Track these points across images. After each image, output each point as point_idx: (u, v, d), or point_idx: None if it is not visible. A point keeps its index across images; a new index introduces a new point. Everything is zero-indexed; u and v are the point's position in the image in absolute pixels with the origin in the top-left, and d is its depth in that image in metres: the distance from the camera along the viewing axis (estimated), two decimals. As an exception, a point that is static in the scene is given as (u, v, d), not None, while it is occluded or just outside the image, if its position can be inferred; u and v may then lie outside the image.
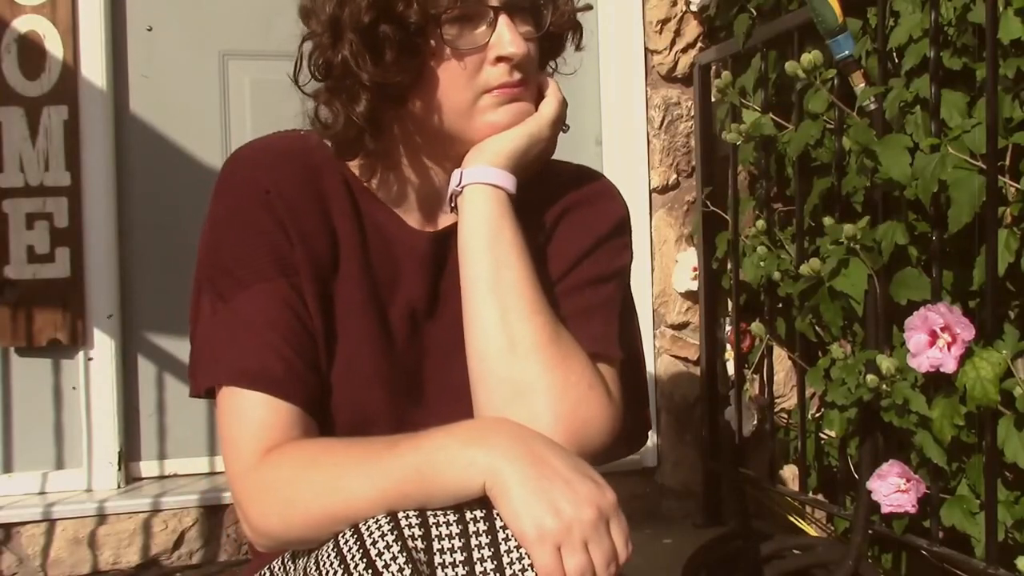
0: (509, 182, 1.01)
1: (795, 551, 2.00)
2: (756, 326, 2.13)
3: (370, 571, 0.84)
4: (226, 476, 1.00)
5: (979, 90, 1.66)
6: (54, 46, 2.23)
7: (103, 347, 2.28)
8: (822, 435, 2.11)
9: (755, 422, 2.25)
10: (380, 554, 0.84)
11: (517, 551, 0.85)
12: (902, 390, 1.60)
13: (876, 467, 1.67)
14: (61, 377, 2.28)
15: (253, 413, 0.97)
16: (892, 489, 1.64)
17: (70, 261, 2.24)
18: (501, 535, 0.86)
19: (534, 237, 1.06)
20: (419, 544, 0.85)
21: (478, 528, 0.86)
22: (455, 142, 1.03)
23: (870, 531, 1.77)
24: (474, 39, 0.97)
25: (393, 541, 0.84)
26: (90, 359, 2.27)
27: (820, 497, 2.11)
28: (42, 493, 2.26)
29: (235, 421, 0.98)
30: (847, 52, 1.67)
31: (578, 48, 1.10)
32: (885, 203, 1.72)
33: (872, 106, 1.67)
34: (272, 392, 0.97)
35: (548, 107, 1.04)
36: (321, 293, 1.02)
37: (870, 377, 1.64)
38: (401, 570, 0.83)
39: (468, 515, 0.87)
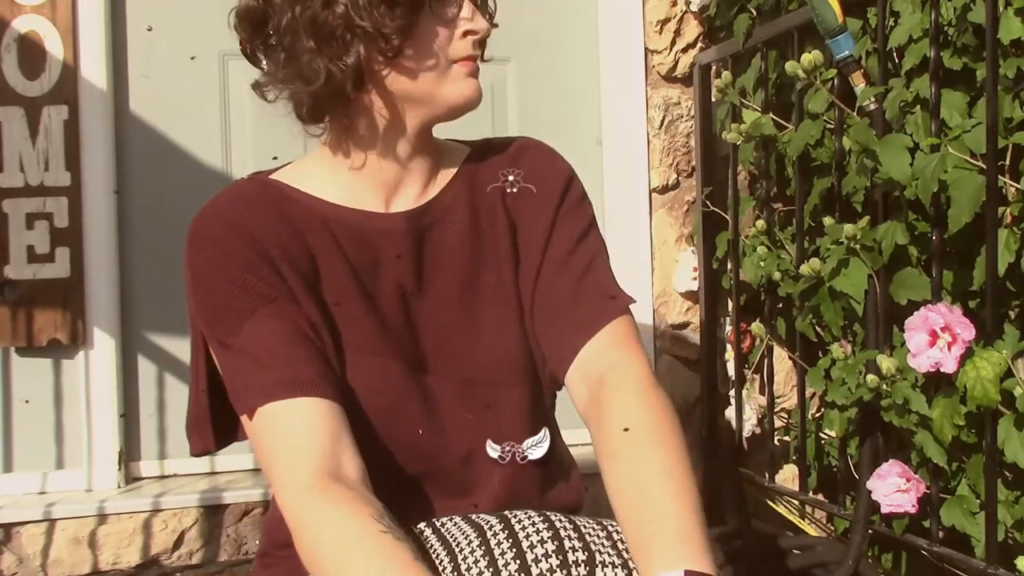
0: None
1: (795, 551, 2.00)
2: (756, 326, 2.13)
3: None
4: (275, 491, 0.99)
5: (979, 90, 1.66)
6: (54, 46, 2.23)
7: (103, 347, 2.28)
8: (822, 435, 2.11)
9: (755, 422, 2.25)
10: None
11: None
12: (902, 390, 1.60)
13: (876, 467, 1.67)
14: (61, 377, 2.28)
15: (295, 421, 0.99)
16: (892, 489, 1.64)
17: (70, 261, 2.24)
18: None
19: (499, 200, 1.19)
20: None
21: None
22: (419, 109, 1.12)
23: (870, 531, 1.77)
24: (445, 13, 1.10)
25: None
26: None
27: (820, 497, 2.11)
28: (42, 493, 2.26)
29: (279, 434, 0.99)
30: (847, 52, 1.67)
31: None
32: (885, 203, 1.72)
33: (872, 106, 1.67)
34: (310, 394, 0.99)
35: None
36: (316, 301, 1.07)
37: (870, 377, 1.64)
38: None
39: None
